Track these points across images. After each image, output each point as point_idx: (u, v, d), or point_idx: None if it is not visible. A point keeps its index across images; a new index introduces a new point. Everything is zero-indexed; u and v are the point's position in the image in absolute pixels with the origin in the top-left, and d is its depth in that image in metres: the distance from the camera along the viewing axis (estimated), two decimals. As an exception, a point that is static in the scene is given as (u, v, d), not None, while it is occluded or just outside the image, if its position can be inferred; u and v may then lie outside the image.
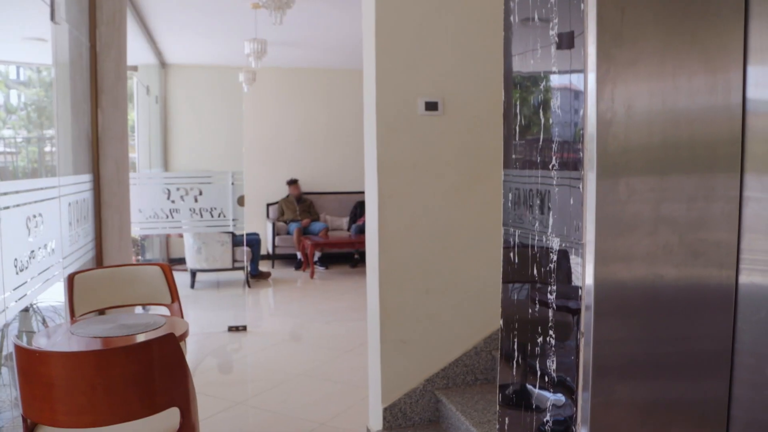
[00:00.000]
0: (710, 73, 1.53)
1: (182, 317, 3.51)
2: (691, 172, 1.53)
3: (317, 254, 9.30)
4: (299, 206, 9.58)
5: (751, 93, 1.55)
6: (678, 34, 1.50)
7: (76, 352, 2.35)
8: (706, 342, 1.60)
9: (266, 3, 5.21)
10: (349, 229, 9.65)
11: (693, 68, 1.52)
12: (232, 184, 6.24)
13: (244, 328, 6.01)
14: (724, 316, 1.60)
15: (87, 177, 4.17)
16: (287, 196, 9.67)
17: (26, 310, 4.08)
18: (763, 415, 1.57)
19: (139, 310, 4.76)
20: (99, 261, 4.34)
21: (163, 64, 9.03)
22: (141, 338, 2.73)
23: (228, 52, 8.06)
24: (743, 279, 1.59)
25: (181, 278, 8.23)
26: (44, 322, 4.21)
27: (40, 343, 2.83)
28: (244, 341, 5.82)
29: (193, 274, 7.98)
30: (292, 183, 9.61)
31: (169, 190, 6.05)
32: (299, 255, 9.33)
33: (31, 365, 2.07)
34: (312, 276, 8.79)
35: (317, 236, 9.18)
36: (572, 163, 1.55)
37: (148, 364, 2.09)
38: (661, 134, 1.50)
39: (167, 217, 6.10)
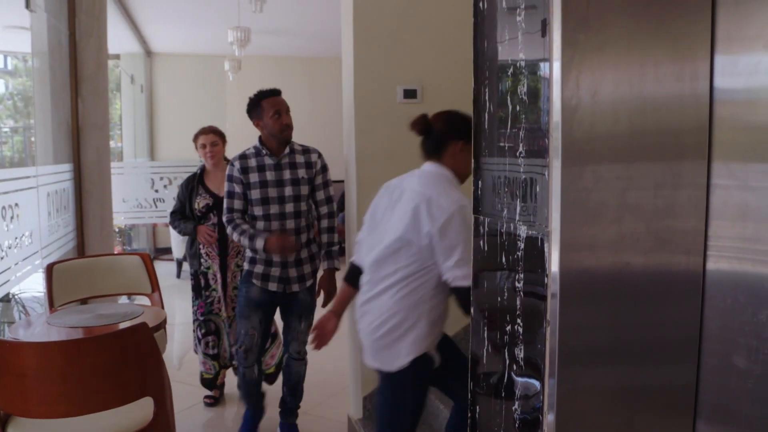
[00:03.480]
0: (677, 61, 1.52)
1: (162, 307, 3.50)
2: (658, 159, 1.53)
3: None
4: (286, 195, 9.56)
5: (718, 82, 1.54)
6: (645, 20, 1.49)
7: (46, 342, 2.34)
8: (673, 329, 1.60)
9: (247, -10, 5.16)
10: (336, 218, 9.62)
11: (660, 55, 1.51)
12: (218, 173, 6.21)
13: (230, 317, 6.00)
14: (692, 303, 1.60)
15: (67, 167, 4.14)
16: (274, 186, 9.65)
17: (7, 300, 4.05)
18: (730, 401, 1.58)
19: (124, 299, 4.75)
20: (81, 251, 4.32)
21: (148, 53, 8.96)
22: (117, 328, 2.72)
23: (213, 40, 8.00)
24: (710, 266, 1.59)
25: (168, 268, 8.20)
26: (25, 311, 4.18)
27: (18, 333, 2.82)
28: (230, 331, 5.80)
29: (179, 263, 7.95)
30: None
31: (153, 180, 6.02)
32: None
33: (2, 356, 2.06)
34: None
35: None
36: (539, 151, 1.54)
37: (120, 353, 2.08)
38: (627, 121, 1.49)
39: (152, 206, 6.07)
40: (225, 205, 3.35)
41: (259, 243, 3.18)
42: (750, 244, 1.51)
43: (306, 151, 3.44)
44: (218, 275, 3.95)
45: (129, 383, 2.10)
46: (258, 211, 3.28)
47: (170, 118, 9.18)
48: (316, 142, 10.51)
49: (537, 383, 1.60)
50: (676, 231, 1.56)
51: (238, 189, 3.32)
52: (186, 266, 8.29)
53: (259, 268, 3.30)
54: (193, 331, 4.13)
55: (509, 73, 1.67)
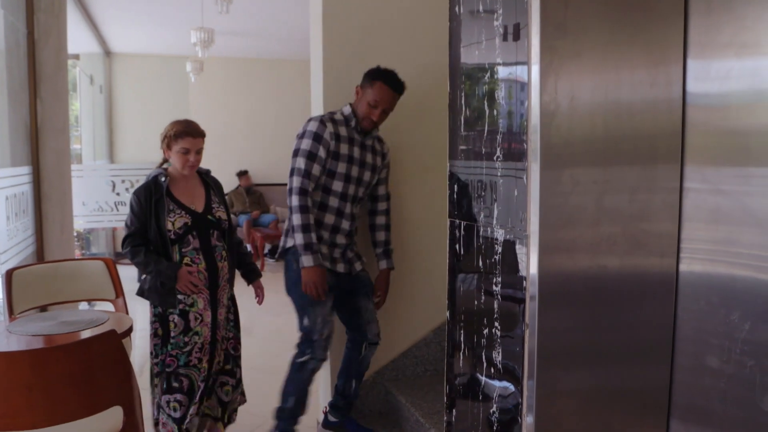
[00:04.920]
0: (652, 67, 1.55)
1: (127, 313, 3.43)
2: (634, 163, 1.55)
3: (267, 246, 9.21)
4: (249, 198, 9.46)
5: (691, 86, 1.57)
6: (621, 27, 1.51)
7: (9, 351, 2.26)
8: (648, 330, 1.63)
9: (212, -9, 5.10)
10: (300, 221, 9.54)
11: (635, 61, 1.53)
12: (180, 176, 6.12)
13: (193, 322, 5.90)
14: (666, 305, 1.63)
15: (26, 169, 4.03)
16: (237, 188, 9.54)
17: (-36, 307, 3.92)
18: (703, 401, 1.61)
19: (84, 306, 4.64)
20: (40, 256, 4.20)
21: (107, 53, 8.79)
22: (83, 335, 2.65)
23: (174, 41, 7.89)
24: (683, 268, 1.62)
25: (128, 272, 8.04)
26: (-18, 319, 4.05)
27: (-23, 342, 2.73)
28: (193, 336, 5.70)
29: (141, 267, 7.81)
30: (242, 174, 9.48)
31: (114, 182, 5.90)
32: (249, 247, 9.22)
33: (-36, 366, 1.99)
34: (262, 268, 8.70)
35: (267, 228, 9.07)
36: (517, 155, 1.56)
37: (88, 362, 2.02)
38: (603, 126, 1.51)
39: (112, 209, 5.95)
40: (301, 166, 2.84)
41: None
42: (722, 246, 1.55)
43: (380, 140, 3.10)
44: (206, 314, 2.97)
45: (98, 392, 2.04)
46: (337, 186, 2.91)
47: (130, 120, 9.02)
48: (279, 145, 10.42)
49: (515, 385, 1.61)
50: (650, 234, 1.59)
51: (322, 153, 2.85)
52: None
53: (324, 249, 2.93)
54: (155, 381, 3.01)
55: (486, 78, 1.68)
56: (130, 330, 2.75)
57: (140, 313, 5.97)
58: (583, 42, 1.47)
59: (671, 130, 1.57)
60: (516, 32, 1.55)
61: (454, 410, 1.90)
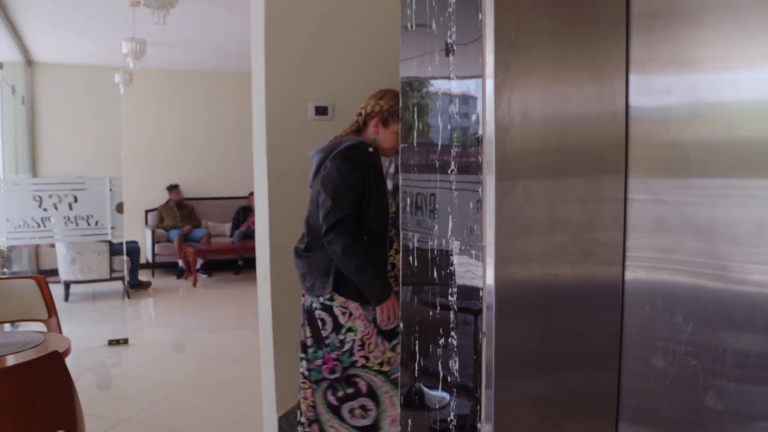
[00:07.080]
0: (597, 82, 1.62)
1: (60, 332, 3.31)
2: (582, 175, 1.61)
3: (199, 261, 9.03)
4: (180, 212, 9.28)
5: (633, 100, 1.65)
6: (568, 45, 1.57)
7: (-55, 376, 2.15)
8: (597, 336, 1.68)
9: (147, 1, 5.00)
10: (232, 235, 9.39)
11: (582, 77, 1.59)
12: (110, 190, 5.94)
13: (126, 341, 5.75)
14: (613, 311, 1.69)
15: (-53, 184, 3.84)
16: (167, 202, 9.34)
17: None
18: (649, 402, 1.68)
19: (7, 327, 4.44)
20: (-38, 275, 4.00)
21: (29, 62, 8.48)
22: (11, 360, 2.53)
23: (103, 51, 7.68)
24: (629, 275, 1.68)
25: (54, 291, 7.75)
26: None
27: None
28: (126, 355, 5.56)
29: (67, 285, 7.54)
30: (173, 188, 9.29)
31: (40, 198, 5.68)
32: (181, 263, 9.03)
33: None
34: (195, 284, 8.53)
35: (199, 243, 8.91)
36: (468, 167, 1.59)
37: (29, 386, 1.94)
38: (554, 139, 1.56)
39: (38, 226, 5.72)
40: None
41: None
42: (666, 254, 1.62)
43: None
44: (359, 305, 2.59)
45: (39, 417, 1.96)
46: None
47: (55, 132, 8.71)
48: (211, 159, 10.23)
49: (472, 394, 1.63)
50: (599, 243, 1.65)
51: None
52: (73, 288, 7.86)
53: None
54: (328, 390, 2.75)
55: (439, 93, 1.71)
56: (68, 351, 2.65)
57: (69, 332, 5.76)
58: (535, 59, 1.52)
59: (616, 143, 1.64)
60: (469, 48, 1.59)
61: (409, 421, 1.92)
